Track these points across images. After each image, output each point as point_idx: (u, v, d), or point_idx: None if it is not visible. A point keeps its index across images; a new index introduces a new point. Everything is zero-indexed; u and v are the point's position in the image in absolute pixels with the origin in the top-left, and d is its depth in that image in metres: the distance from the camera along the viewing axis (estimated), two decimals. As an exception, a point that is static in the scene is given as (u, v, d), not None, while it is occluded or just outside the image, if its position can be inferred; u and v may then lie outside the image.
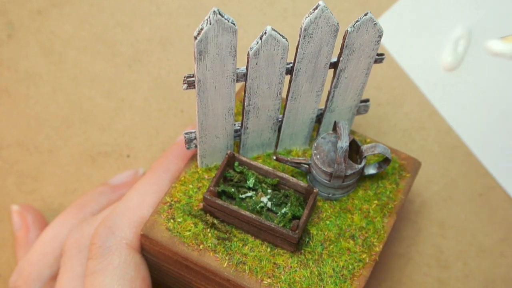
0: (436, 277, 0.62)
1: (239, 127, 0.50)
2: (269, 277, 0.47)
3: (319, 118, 0.52)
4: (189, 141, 0.49)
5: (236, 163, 0.49)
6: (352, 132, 0.55)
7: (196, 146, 0.50)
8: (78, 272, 0.52)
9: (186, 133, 0.49)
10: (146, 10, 0.67)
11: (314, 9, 0.41)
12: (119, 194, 0.61)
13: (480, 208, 0.63)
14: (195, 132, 0.49)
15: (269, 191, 0.49)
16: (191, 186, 0.51)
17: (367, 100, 0.52)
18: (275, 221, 0.47)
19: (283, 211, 0.48)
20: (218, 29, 0.40)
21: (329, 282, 0.47)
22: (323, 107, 0.51)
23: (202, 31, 0.40)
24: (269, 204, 0.49)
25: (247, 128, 0.49)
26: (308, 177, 0.51)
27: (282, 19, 0.67)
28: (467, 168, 0.63)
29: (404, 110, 0.65)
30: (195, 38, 0.40)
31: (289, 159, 0.50)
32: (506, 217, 0.62)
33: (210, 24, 0.40)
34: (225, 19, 0.40)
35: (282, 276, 0.47)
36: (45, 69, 0.66)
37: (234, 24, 0.40)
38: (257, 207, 0.48)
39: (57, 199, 0.64)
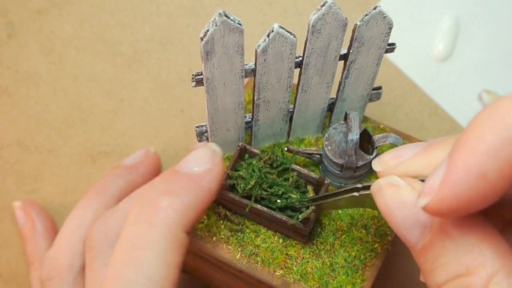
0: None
1: (250, 119, 0.50)
2: (281, 268, 0.47)
3: (330, 107, 0.51)
4: (200, 134, 0.49)
5: (246, 156, 0.49)
6: (365, 119, 0.54)
7: (207, 139, 0.50)
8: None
9: (197, 127, 0.49)
10: (146, 10, 0.67)
11: (322, 6, 0.41)
12: (135, 175, 0.60)
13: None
14: (205, 125, 0.49)
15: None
16: None
17: (379, 88, 0.52)
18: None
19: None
20: (224, 30, 0.40)
21: (341, 272, 0.47)
22: (334, 96, 0.51)
23: (208, 33, 0.40)
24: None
25: (258, 120, 0.49)
26: (320, 167, 0.51)
27: (282, 19, 0.67)
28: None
29: (404, 110, 0.65)
30: (201, 39, 0.40)
31: (300, 150, 0.50)
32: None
33: (216, 26, 0.40)
34: (231, 20, 0.40)
35: (294, 267, 0.47)
36: (45, 69, 0.65)
37: (240, 24, 0.40)
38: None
39: (57, 199, 0.64)
